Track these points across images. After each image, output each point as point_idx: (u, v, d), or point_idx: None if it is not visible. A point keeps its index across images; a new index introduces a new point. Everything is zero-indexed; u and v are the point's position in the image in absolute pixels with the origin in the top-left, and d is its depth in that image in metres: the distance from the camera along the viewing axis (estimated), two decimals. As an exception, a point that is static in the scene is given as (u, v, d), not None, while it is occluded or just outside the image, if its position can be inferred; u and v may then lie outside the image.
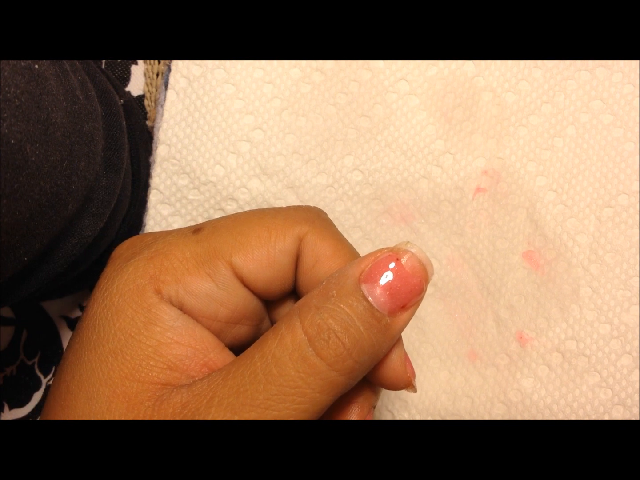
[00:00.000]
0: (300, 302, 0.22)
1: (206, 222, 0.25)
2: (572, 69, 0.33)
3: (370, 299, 0.21)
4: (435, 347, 0.33)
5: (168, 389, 0.21)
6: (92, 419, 0.21)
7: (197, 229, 0.24)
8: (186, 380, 0.21)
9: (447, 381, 0.33)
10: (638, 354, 0.32)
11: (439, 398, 0.33)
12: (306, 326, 0.20)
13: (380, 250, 0.21)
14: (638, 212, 0.33)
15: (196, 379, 0.21)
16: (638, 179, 0.33)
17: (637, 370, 0.32)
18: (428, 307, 0.33)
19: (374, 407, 0.24)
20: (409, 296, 0.21)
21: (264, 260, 0.23)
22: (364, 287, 0.21)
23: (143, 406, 0.20)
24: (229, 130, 0.33)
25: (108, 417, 0.20)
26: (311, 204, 0.33)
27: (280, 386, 0.20)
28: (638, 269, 0.32)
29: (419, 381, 0.33)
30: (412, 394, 0.33)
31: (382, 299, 0.21)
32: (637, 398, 0.32)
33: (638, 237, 0.33)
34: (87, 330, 0.22)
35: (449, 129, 0.33)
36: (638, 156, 0.33)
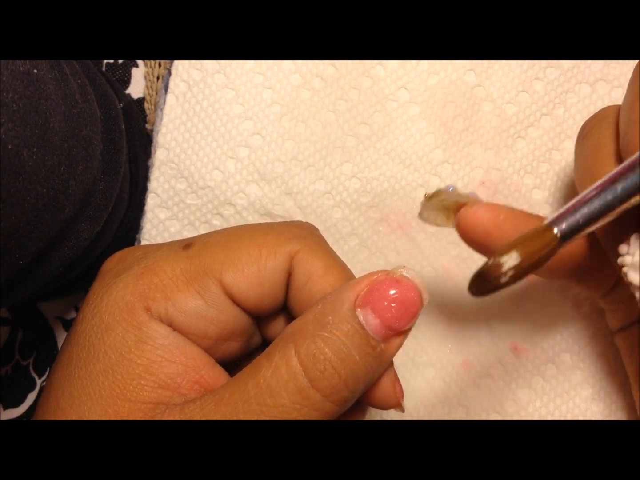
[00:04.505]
0: (294, 326, 0.21)
1: (197, 237, 0.25)
2: (573, 82, 0.33)
3: (365, 325, 0.20)
4: (430, 356, 0.33)
5: (160, 408, 0.21)
6: None
7: (187, 244, 0.24)
8: (178, 399, 0.21)
9: (442, 390, 0.33)
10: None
11: (434, 407, 0.33)
12: (302, 356, 0.20)
13: (375, 273, 0.21)
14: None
15: (188, 397, 0.21)
16: None
17: (631, 383, 0.32)
18: (423, 316, 0.33)
19: None
20: (403, 321, 0.21)
21: (254, 278, 0.23)
22: (359, 313, 0.20)
23: None
24: (227, 135, 0.33)
25: None
26: (309, 210, 0.33)
27: (274, 418, 0.19)
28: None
29: (414, 390, 0.33)
30: (406, 402, 0.33)
31: (377, 325, 0.20)
32: (630, 411, 0.32)
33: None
34: (76, 347, 0.22)
35: (448, 138, 0.33)
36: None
